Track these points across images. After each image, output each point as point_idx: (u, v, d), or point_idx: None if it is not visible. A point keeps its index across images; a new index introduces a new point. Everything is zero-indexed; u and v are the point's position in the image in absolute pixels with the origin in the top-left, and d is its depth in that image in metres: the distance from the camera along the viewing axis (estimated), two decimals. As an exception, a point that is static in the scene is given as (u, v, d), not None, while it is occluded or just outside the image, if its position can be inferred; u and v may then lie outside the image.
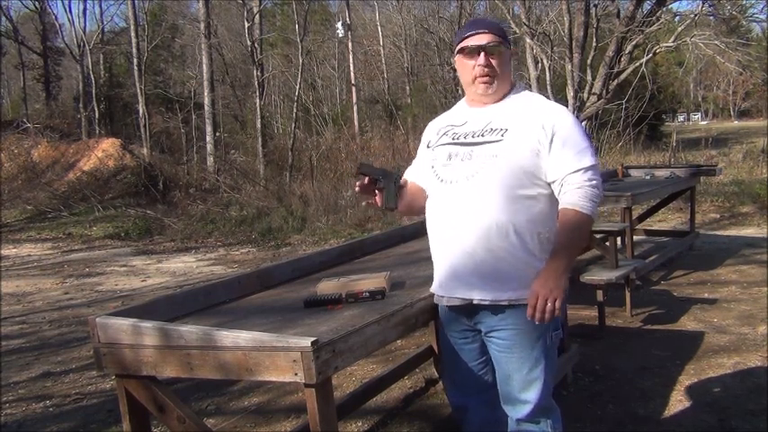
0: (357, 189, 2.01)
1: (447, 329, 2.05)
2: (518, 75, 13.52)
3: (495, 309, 1.89)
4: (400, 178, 2.04)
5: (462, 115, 2.02)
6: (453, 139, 1.97)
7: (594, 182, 1.84)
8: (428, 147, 2.06)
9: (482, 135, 1.91)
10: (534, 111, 1.90)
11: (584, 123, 10.33)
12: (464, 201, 1.86)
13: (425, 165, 2.03)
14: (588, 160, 1.85)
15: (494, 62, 1.91)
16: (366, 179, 1.99)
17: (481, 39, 1.91)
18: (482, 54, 1.90)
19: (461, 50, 1.95)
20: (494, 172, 1.84)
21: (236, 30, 20.83)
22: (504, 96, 1.97)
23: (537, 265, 1.87)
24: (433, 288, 2.04)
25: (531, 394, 1.93)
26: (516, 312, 1.87)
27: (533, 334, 1.89)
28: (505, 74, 1.96)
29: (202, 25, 15.73)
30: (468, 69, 1.95)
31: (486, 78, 1.92)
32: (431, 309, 2.11)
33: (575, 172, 1.83)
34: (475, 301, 1.90)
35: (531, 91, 2.07)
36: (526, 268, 1.86)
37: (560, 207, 1.86)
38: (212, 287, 2.40)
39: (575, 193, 1.83)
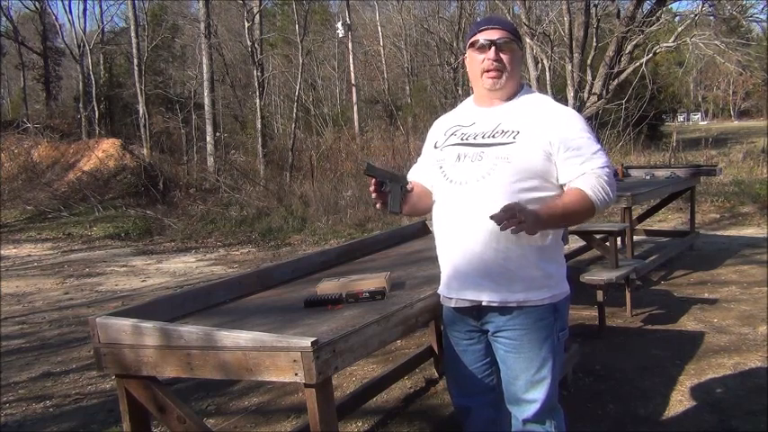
0: (371, 188, 1.96)
1: (451, 330, 2.04)
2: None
3: (504, 310, 1.89)
4: (407, 183, 2.00)
5: (470, 115, 2.00)
6: (462, 139, 1.95)
7: (609, 179, 1.81)
8: (435, 147, 2.03)
9: (492, 136, 1.89)
10: (545, 113, 1.89)
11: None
12: (474, 202, 1.84)
13: (432, 165, 2.01)
14: (603, 161, 1.83)
15: (504, 57, 1.90)
16: (373, 181, 1.95)
17: (493, 34, 1.90)
18: (492, 48, 1.89)
19: (472, 44, 1.94)
20: (505, 174, 1.81)
21: (236, 30, 20.82)
22: (513, 96, 1.95)
23: (546, 267, 1.87)
24: (441, 289, 2.02)
25: (539, 394, 1.92)
26: (525, 313, 1.87)
27: (541, 334, 1.89)
28: (515, 73, 1.94)
29: (202, 25, 15.72)
30: (476, 63, 1.93)
31: (493, 73, 1.90)
32: (431, 309, 2.10)
33: (592, 170, 1.81)
34: (484, 303, 1.89)
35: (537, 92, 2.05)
36: (535, 270, 1.86)
37: (572, 185, 1.81)
38: (212, 287, 2.40)
39: (591, 178, 1.79)
